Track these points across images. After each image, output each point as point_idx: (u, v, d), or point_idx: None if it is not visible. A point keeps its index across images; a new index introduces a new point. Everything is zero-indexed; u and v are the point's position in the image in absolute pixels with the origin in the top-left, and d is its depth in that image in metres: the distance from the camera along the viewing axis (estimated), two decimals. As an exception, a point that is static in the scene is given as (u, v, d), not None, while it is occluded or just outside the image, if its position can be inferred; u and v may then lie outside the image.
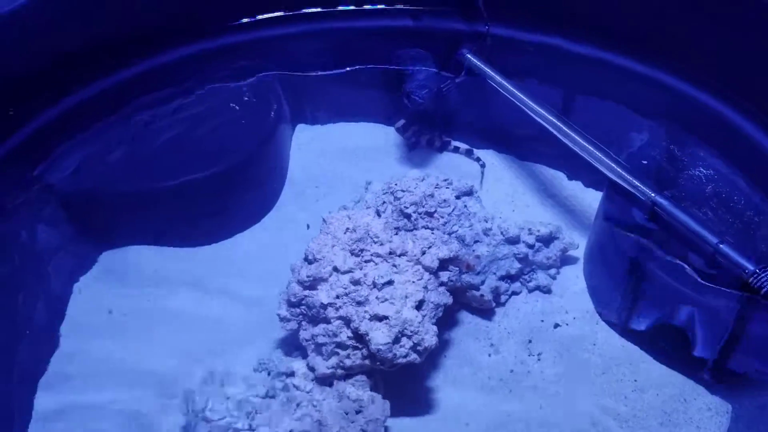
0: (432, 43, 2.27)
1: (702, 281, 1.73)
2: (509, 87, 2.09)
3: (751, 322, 1.72)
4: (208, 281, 2.12)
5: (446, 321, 1.97)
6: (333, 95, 2.45)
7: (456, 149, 2.42)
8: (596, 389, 1.89)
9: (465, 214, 2.01)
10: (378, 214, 1.97)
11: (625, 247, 1.89)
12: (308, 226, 2.22)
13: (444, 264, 1.81)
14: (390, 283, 1.74)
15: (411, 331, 1.69)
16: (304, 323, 1.78)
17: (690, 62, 2.01)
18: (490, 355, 1.97)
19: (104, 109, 2.15)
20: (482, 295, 1.99)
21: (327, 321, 1.73)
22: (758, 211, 1.86)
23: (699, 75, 2.01)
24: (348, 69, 2.35)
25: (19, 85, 1.95)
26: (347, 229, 1.80)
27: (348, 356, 1.72)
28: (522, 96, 2.07)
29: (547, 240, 2.06)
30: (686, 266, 1.76)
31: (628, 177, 1.89)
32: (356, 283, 1.72)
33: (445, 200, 1.98)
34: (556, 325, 2.02)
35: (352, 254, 1.77)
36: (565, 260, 2.13)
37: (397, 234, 1.85)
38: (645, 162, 1.99)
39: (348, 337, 1.72)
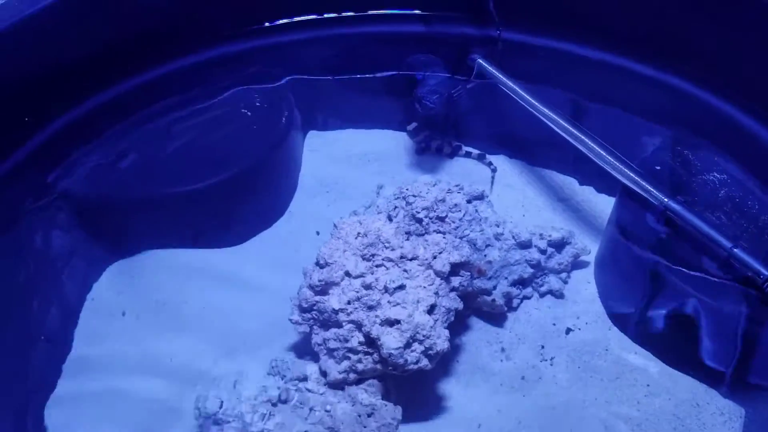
0: (443, 48, 2.27)
1: (716, 286, 1.73)
2: (521, 92, 2.09)
3: (765, 329, 1.72)
4: (220, 285, 2.12)
5: (457, 326, 1.97)
6: (344, 101, 2.45)
7: (468, 154, 2.42)
8: (608, 394, 1.88)
9: (476, 219, 2.02)
10: (389, 218, 1.97)
11: (638, 253, 1.88)
12: (318, 233, 2.22)
13: (455, 269, 1.81)
14: (401, 287, 1.74)
15: (423, 336, 1.69)
16: (315, 328, 1.78)
17: (702, 66, 2.01)
18: (501, 361, 1.97)
19: (117, 116, 2.16)
20: (494, 300, 1.99)
21: (338, 325, 1.73)
22: (772, 215, 1.86)
23: (712, 79, 2.01)
24: (359, 75, 2.36)
25: (34, 92, 1.96)
26: (358, 234, 1.80)
27: (359, 360, 1.72)
28: (533, 101, 2.06)
29: (559, 245, 2.06)
30: (699, 272, 1.76)
31: (641, 182, 1.88)
32: (368, 287, 1.73)
33: (456, 205, 1.98)
34: (568, 330, 2.02)
35: (364, 259, 1.78)
36: (577, 265, 2.13)
37: (408, 239, 1.85)
38: (658, 167, 1.99)
39: (359, 342, 1.72)
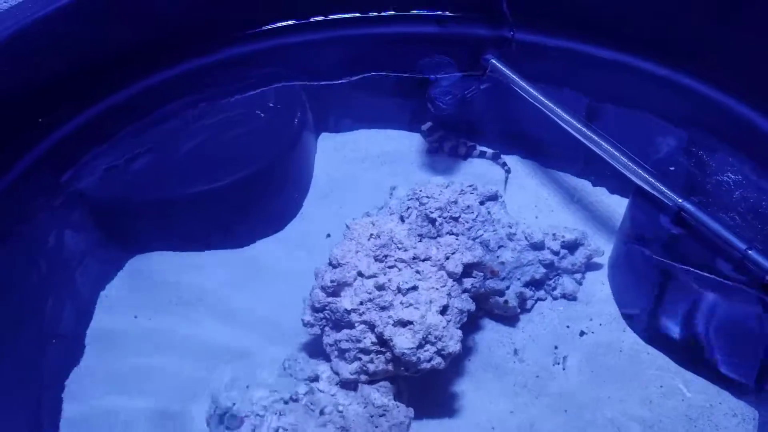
0: (457, 48, 2.27)
1: (730, 288, 1.72)
2: (534, 92, 2.09)
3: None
4: (233, 286, 2.13)
5: (470, 328, 1.97)
6: (357, 102, 2.45)
7: (482, 153, 2.42)
8: (621, 395, 1.87)
9: (489, 220, 2.01)
10: (402, 219, 1.97)
11: (652, 254, 1.88)
12: (329, 236, 2.22)
13: (468, 269, 1.81)
14: (414, 288, 1.74)
15: (435, 337, 1.69)
16: (326, 329, 1.78)
17: (717, 66, 2.00)
18: (514, 362, 1.96)
19: (131, 117, 2.17)
20: (506, 301, 1.98)
21: (351, 326, 1.73)
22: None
23: (726, 79, 2.00)
24: (372, 75, 2.36)
25: (48, 93, 1.97)
26: (371, 235, 1.80)
27: (371, 361, 1.72)
28: (547, 101, 2.06)
29: (572, 246, 2.05)
30: (713, 274, 1.75)
31: (655, 183, 1.88)
32: (380, 288, 1.73)
33: (468, 206, 1.98)
34: (582, 332, 2.01)
35: (376, 260, 1.77)
36: (590, 266, 2.12)
37: (420, 240, 1.85)
38: (672, 168, 1.98)
39: (372, 342, 1.72)
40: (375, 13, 2.30)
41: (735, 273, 1.75)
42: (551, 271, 2.05)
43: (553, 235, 2.04)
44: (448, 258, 1.79)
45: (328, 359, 1.80)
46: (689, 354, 1.90)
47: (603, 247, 2.10)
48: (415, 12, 2.29)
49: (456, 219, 1.97)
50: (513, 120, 2.35)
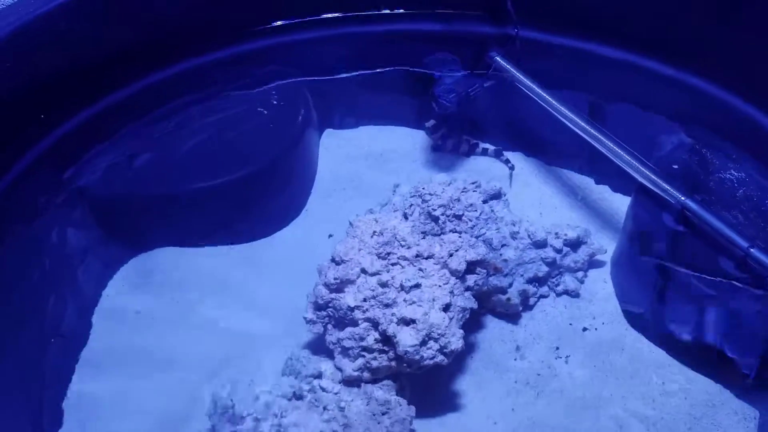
0: (461, 46, 2.27)
1: (732, 286, 1.72)
2: (538, 90, 2.09)
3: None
4: (236, 283, 2.13)
5: (472, 325, 1.97)
6: (360, 99, 2.45)
7: (485, 150, 2.42)
8: (623, 393, 1.87)
9: (492, 218, 2.01)
10: (405, 217, 1.97)
11: (654, 252, 1.88)
12: (331, 236, 2.22)
13: (471, 267, 1.81)
14: (417, 286, 1.74)
15: (438, 334, 1.69)
16: (329, 326, 1.78)
17: (720, 65, 2.00)
18: (516, 359, 1.96)
19: (133, 114, 2.17)
20: (509, 299, 1.98)
21: (354, 323, 1.73)
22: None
23: (730, 77, 1.99)
24: (377, 72, 2.36)
25: (49, 90, 1.97)
26: (374, 232, 1.80)
27: (374, 358, 1.72)
28: (551, 99, 2.06)
29: (574, 244, 2.05)
30: (716, 272, 1.75)
31: (658, 180, 1.87)
32: (384, 285, 1.72)
33: (471, 204, 1.98)
34: (584, 330, 2.01)
35: (379, 257, 1.77)
36: (593, 264, 2.12)
37: (424, 238, 1.85)
38: (675, 166, 1.98)
39: (375, 339, 1.72)
40: (378, 11, 2.30)
41: (737, 271, 1.75)
42: (554, 268, 2.05)
43: (556, 233, 2.04)
44: (451, 255, 1.79)
45: (330, 356, 1.80)
46: (691, 352, 1.90)
47: (606, 245, 2.10)
48: (419, 10, 2.29)
49: (459, 217, 1.96)
50: (516, 118, 2.35)
